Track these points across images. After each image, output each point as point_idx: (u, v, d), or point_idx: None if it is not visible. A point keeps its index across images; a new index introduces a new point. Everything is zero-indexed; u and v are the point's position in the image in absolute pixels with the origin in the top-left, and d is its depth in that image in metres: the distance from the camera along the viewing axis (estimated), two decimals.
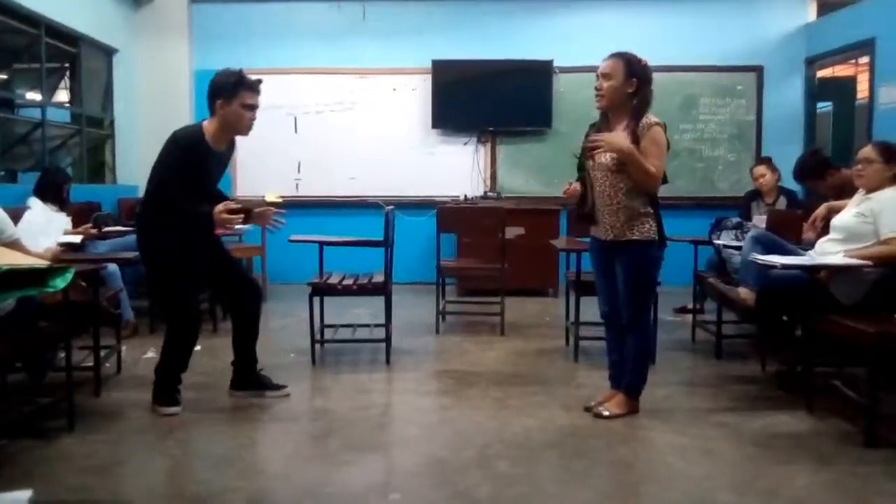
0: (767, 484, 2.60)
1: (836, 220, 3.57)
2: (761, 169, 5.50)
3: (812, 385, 3.41)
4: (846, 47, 6.49)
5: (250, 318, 3.58)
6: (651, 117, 3.14)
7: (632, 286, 3.22)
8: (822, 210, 3.83)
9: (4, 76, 5.66)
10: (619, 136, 3.10)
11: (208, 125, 3.33)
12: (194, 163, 3.28)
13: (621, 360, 3.35)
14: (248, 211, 3.58)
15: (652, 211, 3.17)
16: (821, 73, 7.13)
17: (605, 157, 3.17)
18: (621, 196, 3.16)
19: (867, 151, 3.51)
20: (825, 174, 4.72)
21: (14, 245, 3.09)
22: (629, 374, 3.32)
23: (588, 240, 3.50)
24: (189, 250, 3.33)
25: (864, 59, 6.30)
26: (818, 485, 2.59)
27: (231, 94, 3.26)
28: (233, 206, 3.22)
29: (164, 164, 3.29)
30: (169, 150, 3.29)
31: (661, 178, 3.13)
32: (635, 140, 3.09)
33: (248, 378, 3.59)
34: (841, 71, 6.95)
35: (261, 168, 7.08)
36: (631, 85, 3.12)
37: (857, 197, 3.57)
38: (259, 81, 3.36)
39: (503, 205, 6.07)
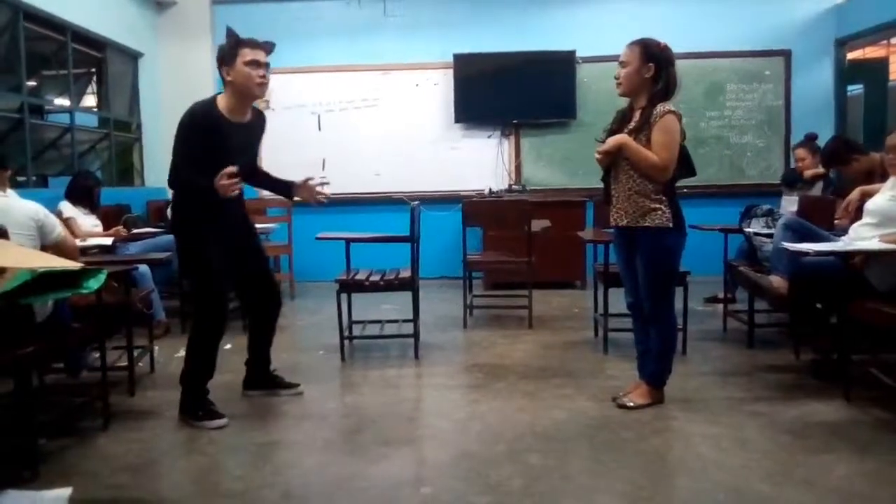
0: (804, 474, 2.56)
1: (870, 204, 3.50)
2: (801, 152, 5.46)
3: (848, 373, 3.34)
4: (877, 28, 6.35)
5: (270, 321, 3.56)
6: (666, 105, 3.10)
7: (650, 275, 3.21)
8: (855, 195, 3.76)
9: (33, 83, 5.76)
10: (612, 139, 3.17)
11: (221, 97, 3.23)
12: (210, 136, 3.12)
13: (647, 351, 3.34)
14: (290, 186, 3.51)
15: (665, 199, 3.13)
16: (851, 55, 6.97)
17: None
18: (632, 182, 3.15)
19: None
20: (850, 159, 4.64)
21: (61, 243, 3.13)
22: (652, 364, 3.31)
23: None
24: (220, 236, 3.22)
25: None
26: (857, 474, 2.55)
27: (232, 56, 3.17)
28: (231, 170, 3.00)
29: (180, 140, 3.14)
30: (183, 124, 3.14)
31: (669, 168, 3.09)
32: (645, 125, 3.08)
33: (262, 378, 3.60)
34: (872, 52, 6.79)
35: (285, 167, 7.09)
36: (648, 69, 3.12)
37: (892, 180, 3.50)
38: (264, 43, 3.24)
39: (528, 197, 6.05)
